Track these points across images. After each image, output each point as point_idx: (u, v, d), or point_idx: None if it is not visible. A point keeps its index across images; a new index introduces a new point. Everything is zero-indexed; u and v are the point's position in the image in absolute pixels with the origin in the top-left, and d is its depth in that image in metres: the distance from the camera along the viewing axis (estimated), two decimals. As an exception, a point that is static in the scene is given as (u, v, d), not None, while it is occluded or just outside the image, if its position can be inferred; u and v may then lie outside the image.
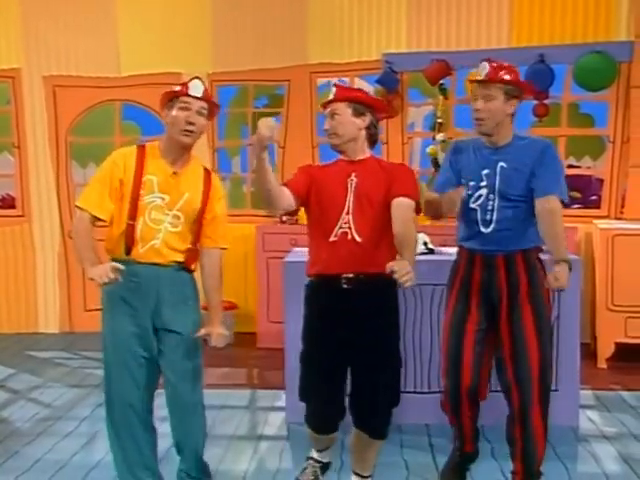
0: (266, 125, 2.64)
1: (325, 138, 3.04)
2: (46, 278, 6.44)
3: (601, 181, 5.82)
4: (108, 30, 6.16)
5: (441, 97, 5.80)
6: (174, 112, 2.87)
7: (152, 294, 2.90)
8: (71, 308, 6.46)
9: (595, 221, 5.39)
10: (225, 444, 3.83)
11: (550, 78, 5.43)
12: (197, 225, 2.95)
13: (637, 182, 5.46)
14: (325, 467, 3.24)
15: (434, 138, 5.87)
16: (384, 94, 5.82)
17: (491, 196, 3.00)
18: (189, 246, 2.95)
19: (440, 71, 5.61)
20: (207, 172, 3.02)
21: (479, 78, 2.99)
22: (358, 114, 2.90)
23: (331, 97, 2.93)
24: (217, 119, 6.33)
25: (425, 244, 4.23)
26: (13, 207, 6.53)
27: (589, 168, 6.75)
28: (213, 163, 6.18)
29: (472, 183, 3.04)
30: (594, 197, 6.02)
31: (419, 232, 4.36)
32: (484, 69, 2.99)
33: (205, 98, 2.91)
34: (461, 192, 3.04)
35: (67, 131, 6.27)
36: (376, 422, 2.95)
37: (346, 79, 5.93)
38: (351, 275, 2.85)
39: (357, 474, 3.16)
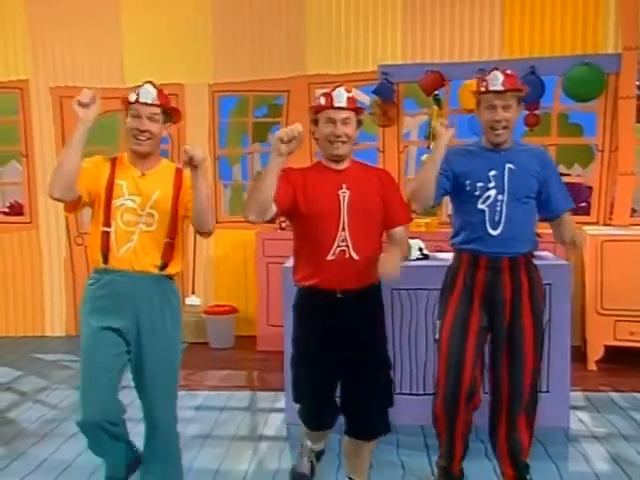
0: (284, 130, 2.67)
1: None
2: (52, 283, 6.53)
3: (590, 188, 5.87)
4: (113, 43, 6.24)
5: (435, 107, 5.86)
6: (127, 120, 2.83)
7: (129, 308, 2.84)
8: (77, 312, 6.49)
9: (585, 227, 5.42)
10: (226, 445, 3.91)
11: (541, 89, 5.48)
12: (173, 221, 2.90)
13: (625, 189, 5.54)
14: (320, 454, 3.24)
15: (428, 147, 5.95)
16: (380, 104, 5.91)
17: (500, 197, 3.02)
18: (166, 240, 2.88)
19: (435, 82, 5.68)
20: (179, 170, 2.95)
21: (497, 88, 2.97)
22: (358, 126, 2.90)
23: (344, 104, 2.83)
24: (218, 128, 6.45)
25: (420, 250, 4.29)
26: (21, 214, 6.64)
27: (579, 176, 6.77)
28: (214, 171, 6.17)
29: (480, 184, 3.04)
30: (584, 204, 6.06)
31: (415, 238, 4.49)
32: (497, 79, 2.97)
33: (156, 103, 2.80)
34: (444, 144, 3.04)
35: (73, 140, 6.38)
36: (372, 424, 2.96)
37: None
38: (347, 289, 2.85)
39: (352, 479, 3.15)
